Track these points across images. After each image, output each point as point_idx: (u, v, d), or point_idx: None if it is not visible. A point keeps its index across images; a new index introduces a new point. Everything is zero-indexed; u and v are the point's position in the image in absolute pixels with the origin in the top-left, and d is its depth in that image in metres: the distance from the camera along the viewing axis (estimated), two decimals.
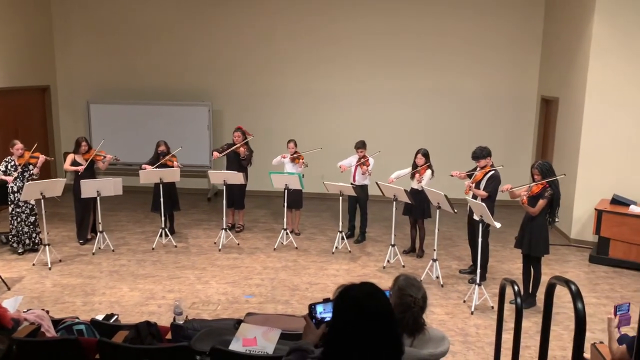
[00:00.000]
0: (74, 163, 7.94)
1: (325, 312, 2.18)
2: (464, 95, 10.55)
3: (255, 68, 10.92)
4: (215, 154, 8.52)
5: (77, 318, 4.27)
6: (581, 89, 8.32)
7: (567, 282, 2.73)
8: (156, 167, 8.08)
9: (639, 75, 7.94)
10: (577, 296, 2.62)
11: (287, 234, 8.20)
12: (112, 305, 6.12)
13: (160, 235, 8.12)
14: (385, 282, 6.59)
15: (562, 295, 5.62)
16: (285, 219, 8.28)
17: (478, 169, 6.83)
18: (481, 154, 6.74)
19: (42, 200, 7.12)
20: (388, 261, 7.47)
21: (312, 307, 2.21)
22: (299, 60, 10.79)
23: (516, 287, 4.05)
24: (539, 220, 6.02)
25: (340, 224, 8.06)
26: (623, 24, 7.87)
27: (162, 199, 7.99)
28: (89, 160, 7.95)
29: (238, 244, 8.19)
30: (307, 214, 9.69)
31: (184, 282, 6.81)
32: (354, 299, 1.82)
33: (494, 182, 6.64)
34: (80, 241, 8.12)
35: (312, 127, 10.78)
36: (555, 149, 9.43)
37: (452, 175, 7.13)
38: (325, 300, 2.22)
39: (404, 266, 7.42)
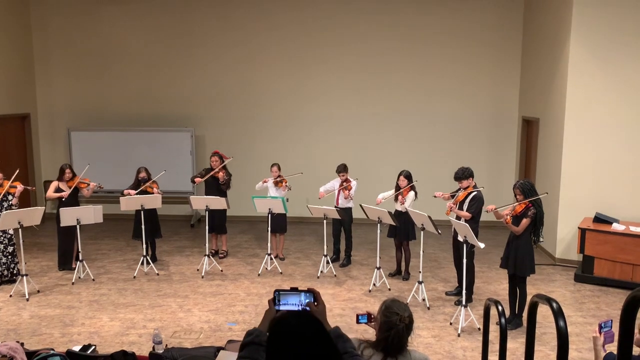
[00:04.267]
0: (58, 190, 7.84)
1: (285, 304, 2.21)
2: (446, 117, 10.66)
3: (238, 93, 10.96)
4: (198, 179, 8.47)
5: (52, 349, 4.15)
6: (560, 110, 8.46)
7: (548, 300, 2.71)
8: (137, 194, 8.01)
9: (617, 94, 8.09)
10: (558, 314, 2.60)
11: (271, 259, 8.13)
12: (92, 335, 5.97)
13: (142, 263, 8.01)
14: (371, 306, 6.56)
15: (548, 314, 5.61)
16: (269, 244, 8.22)
17: (461, 190, 6.86)
18: (463, 174, 6.78)
19: (20, 230, 6.99)
20: (374, 284, 7.42)
21: (276, 294, 2.24)
22: (281, 85, 10.86)
23: (500, 307, 4.03)
24: (524, 240, 6.04)
25: (325, 247, 8.02)
26: (600, 43, 8.05)
27: (143, 226, 7.90)
28: (72, 187, 7.85)
29: (221, 271, 8.09)
30: (292, 238, 9.63)
31: (166, 310, 6.69)
32: (287, 330, 1.81)
33: (476, 203, 6.67)
34: (60, 269, 7.96)
35: (295, 151, 10.80)
36: (537, 168, 9.52)
37: (435, 196, 7.15)
38: (292, 289, 2.25)
39: (389, 289, 7.37)
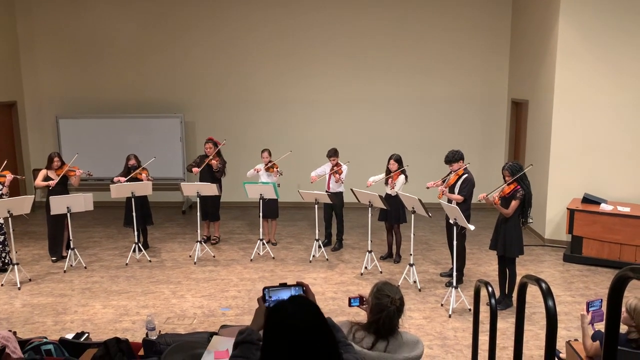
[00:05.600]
0: (47, 179, 7.78)
1: (275, 300, 2.16)
2: (435, 99, 10.65)
3: (228, 77, 10.87)
4: (195, 169, 8.43)
5: (45, 338, 4.14)
6: (549, 91, 8.47)
7: (537, 281, 2.74)
8: (127, 181, 7.96)
9: (605, 76, 8.11)
10: (547, 294, 2.63)
11: (263, 244, 8.14)
12: (85, 323, 5.97)
13: (134, 250, 7.99)
14: (363, 289, 6.60)
15: (538, 294, 5.67)
16: (261, 229, 8.22)
17: (452, 173, 6.87)
18: (453, 157, 6.79)
19: (10, 219, 6.94)
20: (365, 267, 7.46)
21: (265, 291, 2.21)
22: (271, 68, 10.77)
23: (490, 288, 4.06)
24: (513, 221, 6.07)
25: (317, 232, 8.03)
26: (588, 24, 8.04)
27: (134, 213, 7.87)
28: (61, 176, 7.79)
29: (214, 257, 8.09)
30: (283, 223, 9.64)
31: (159, 297, 6.69)
32: (283, 318, 1.80)
33: (467, 185, 6.69)
34: (53, 258, 7.93)
35: (287, 136, 10.76)
36: (527, 150, 9.56)
37: (428, 187, 7.13)
38: (281, 285, 2.22)
39: (381, 272, 7.42)
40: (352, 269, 7.59)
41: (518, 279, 6.25)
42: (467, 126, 10.68)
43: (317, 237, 8.01)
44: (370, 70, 10.64)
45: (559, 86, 8.26)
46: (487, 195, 6.16)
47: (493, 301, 3.99)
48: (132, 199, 7.84)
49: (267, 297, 2.22)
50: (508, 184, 6.04)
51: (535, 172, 8.18)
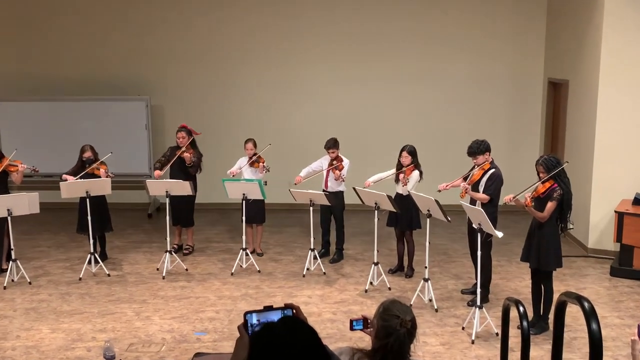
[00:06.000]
0: None
1: (258, 326, 2.16)
2: (456, 81, 10.67)
3: (202, 54, 10.85)
4: (157, 172, 8.44)
5: None
6: (594, 70, 8.49)
7: (578, 299, 2.75)
8: (80, 178, 7.95)
9: None
10: (590, 315, 2.64)
11: (247, 254, 8.14)
12: (29, 350, 5.97)
13: (89, 262, 7.97)
14: (368, 309, 6.61)
15: (579, 316, 5.69)
16: (244, 237, 8.22)
17: (476, 167, 6.89)
18: (478, 148, 6.80)
19: None
20: (371, 283, 7.47)
21: (247, 316, 2.20)
22: (255, 41, 10.76)
23: (521, 308, 4.08)
24: (549, 228, 6.09)
25: (312, 240, 8.04)
26: None
27: (89, 217, 7.86)
28: None
29: (186, 270, 8.09)
30: (271, 229, 9.65)
31: (120, 318, 6.69)
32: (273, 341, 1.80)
33: (494, 183, 6.71)
34: None
35: (275, 122, 10.77)
36: (566, 142, 9.59)
37: (439, 191, 7.10)
38: (266, 308, 2.22)
39: (390, 289, 7.43)
40: (355, 285, 7.60)
41: (555, 297, 6.27)
42: (495, 112, 10.71)
43: (312, 247, 8.02)
44: (378, 44, 10.63)
45: (606, 64, 8.29)
46: (515, 197, 6.13)
47: (525, 324, 4.01)
48: (87, 200, 7.82)
49: (250, 324, 2.20)
50: (543, 182, 6.05)
51: (576, 168, 8.20)
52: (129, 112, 10.69)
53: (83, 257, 8.28)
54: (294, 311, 2.27)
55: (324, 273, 7.97)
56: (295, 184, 8.24)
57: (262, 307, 2.26)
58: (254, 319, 2.20)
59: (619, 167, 8.43)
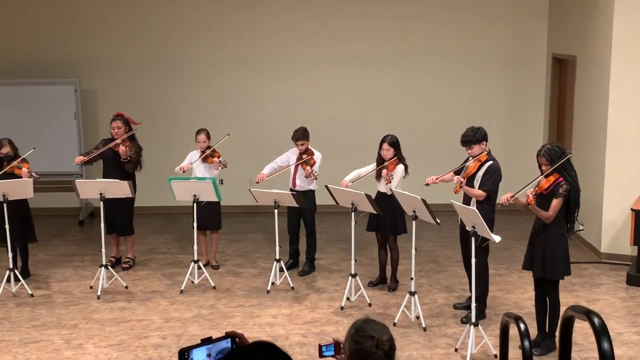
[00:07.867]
0: None
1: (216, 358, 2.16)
2: (446, 58, 10.73)
3: (142, 27, 10.77)
4: (80, 158, 8.37)
5: None
6: (606, 45, 8.59)
7: (587, 314, 2.79)
8: None
9: None
10: (601, 332, 2.67)
11: (199, 268, 8.12)
12: None
13: (8, 280, 7.89)
14: (344, 330, 6.60)
15: (591, 333, 5.77)
16: (195, 247, 8.19)
17: (470, 159, 6.92)
18: (474, 137, 6.83)
19: None
20: (348, 299, 7.49)
21: (183, 355, 2.18)
22: (206, 10, 10.71)
23: (522, 326, 4.12)
24: (555, 230, 6.14)
25: (278, 249, 8.03)
26: None
27: (7, 226, 7.78)
28: None
29: (126, 287, 8.05)
30: (229, 237, 9.64)
31: (46, 347, 6.63)
32: None
33: (492, 177, 6.75)
34: None
35: (233, 110, 10.74)
36: (574, 128, 9.70)
37: (427, 184, 7.13)
38: (204, 342, 2.21)
39: (370, 304, 7.46)
40: (329, 302, 7.62)
41: (562, 311, 6.35)
42: (492, 93, 10.80)
43: (277, 257, 8.01)
44: (360, 17, 10.63)
45: (619, 37, 8.38)
46: (514, 196, 6.16)
47: (527, 343, 4.05)
48: (5, 205, 7.73)
49: None
50: (546, 176, 6.09)
51: (585, 158, 8.32)
52: (54, 98, 10.59)
53: (1, 274, 8.17)
54: (237, 339, 2.26)
55: (292, 288, 7.97)
56: (258, 182, 8.21)
57: (203, 338, 2.24)
58: (201, 356, 2.19)
59: (635, 157, 8.54)
